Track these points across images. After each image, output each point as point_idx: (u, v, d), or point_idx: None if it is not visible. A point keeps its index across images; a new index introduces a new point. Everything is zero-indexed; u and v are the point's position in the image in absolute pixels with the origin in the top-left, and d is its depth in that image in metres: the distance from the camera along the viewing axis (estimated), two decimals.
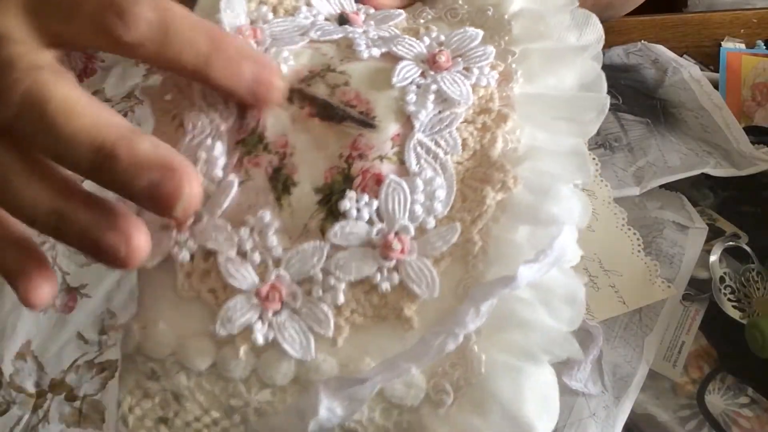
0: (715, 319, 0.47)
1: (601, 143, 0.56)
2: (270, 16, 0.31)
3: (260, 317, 0.27)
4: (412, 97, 0.29)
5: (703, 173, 0.54)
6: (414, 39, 0.31)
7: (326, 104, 0.29)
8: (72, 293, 0.48)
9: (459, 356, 0.26)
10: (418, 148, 0.28)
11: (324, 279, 0.27)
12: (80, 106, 0.23)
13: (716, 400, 0.44)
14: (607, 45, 0.65)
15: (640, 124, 0.58)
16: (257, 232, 0.28)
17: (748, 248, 0.50)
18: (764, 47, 0.67)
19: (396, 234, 0.27)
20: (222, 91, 0.28)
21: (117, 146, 0.23)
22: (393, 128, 0.28)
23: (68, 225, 0.24)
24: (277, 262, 0.27)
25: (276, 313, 0.27)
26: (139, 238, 0.24)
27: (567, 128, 0.30)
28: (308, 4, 0.33)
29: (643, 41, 0.65)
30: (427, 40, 0.31)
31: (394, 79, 0.29)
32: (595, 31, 0.35)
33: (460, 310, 0.26)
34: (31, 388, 0.43)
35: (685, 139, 0.57)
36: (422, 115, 0.29)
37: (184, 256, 0.28)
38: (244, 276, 0.27)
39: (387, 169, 0.28)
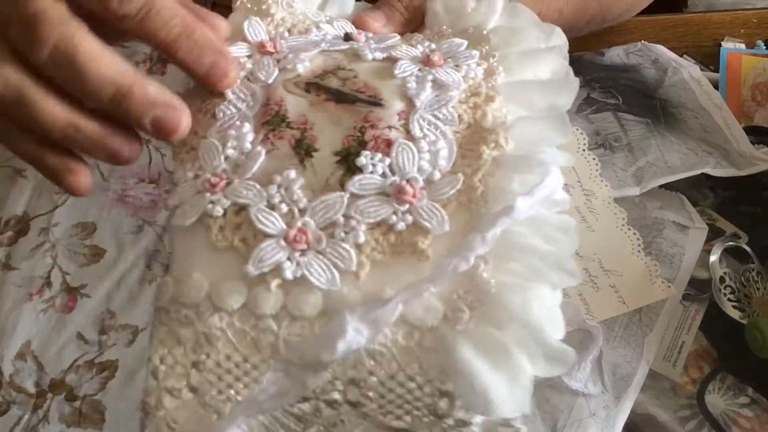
0: (715, 319, 0.47)
1: (601, 143, 0.56)
2: (286, 34, 0.38)
3: (288, 258, 0.30)
4: (412, 84, 0.34)
5: (703, 173, 0.54)
6: (410, 46, 0.37)
7: (339, 92, 0.35)
8: (72, 293, 0.48)
9: (470, 283, 0.29)
10: (421, 120, 0.33)
11: (345, 223, 0.31)
12: (102, 55, 0.29)
13: (716, 400, 0.44)
14: (607, 45, 0.65)
15: (640, 124, 0.58)
16: (284, 188, 0.31)
17: (748, 248, 0.50)
18: (764, 47, 0.67)
19: (407, 181, 0.31)
20: (185, 69, 0.34)
21: (132, 87, 0.30)
22: (398, 106, 0.34)
23: (81, 133, 0.30)
24: (303, 212, 0.31)
25: (303, 253, 0.30)
26: (136, 144, 0.32)
27: (545, 104, 0.36)
28: (317, 27, 0.39)
29: (643, 41, 0.65)
30: (420, 47, 0.37)
31: (396, 71, 0.35)
32: (560, 38, 0.39)
33: (468, 238, 0.29)
34: (31, 388, 0.43)
35: (685, 139, 0.57)
36: (422, 96, 0.34)
37: (218, 210, 0.31)
38: (273, 223, 0.31)
39: (395, 135, 0.33)
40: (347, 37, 0.39)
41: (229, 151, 0.33)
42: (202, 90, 0.36)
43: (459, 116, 0.34)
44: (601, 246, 0.49)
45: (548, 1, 0.55)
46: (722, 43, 0.67)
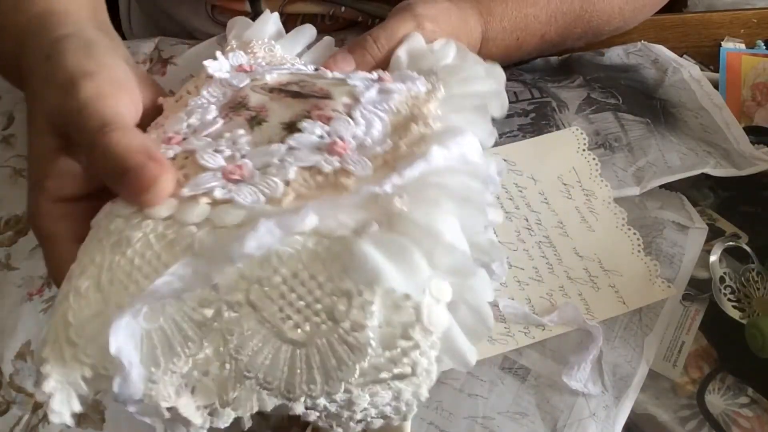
0: (715, 319, 0.47)
1: (601, 143, 0.56)
2: (263, 64, 0.43)
3: (222, 186, 0.32)
4: (361, 87, 0.39)
5: (703, 173, 0.54)
6: (367, 73, 0.43)
7: (296, 92, 0.39)
8: None
9: (383, 212, 0.32)
10: (362, 109, 0.37)
11: (279, 164, 0.34)
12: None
13: (716, 400, 0.44)
14: (607, 45, 0.65)
15: (640, 124, 0.58)
16: (231, 141, 0.35)
17: (748, 248, 0.50)
18: (764, 47, 0.67)
19: (340, 138, 0.35)
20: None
21: None
22: (345, 100, 0.38)
23: None
24: (244, 156, 0.34)
25: (236, 183, 0.33)
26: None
27: (475, 104, 0.41)
28: (292, 64, 0.45)
29: (643, 41, 0.65)
30: (375, 74, 0.42)
31: (349, 80, 0.40)
32: (500, 72, 0.45)
33: (387, 175, 0.32)
34: (31, 388, 0.43)
35: (685, 139, 0.57)
36: (367, 94, 0.39)
37: (168, 154, 0.34)
38: (215, 161, 0.34)
39: (337, 115, 0.37)
40: (316, 69, 0.45)
41: (192, 120, 0.37)
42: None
43: (398, 109, 0.38)
44: (601, 246, 0.49)
45: (530, 28, 0.57)
46: (722, 43, 0.67)
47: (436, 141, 0.35)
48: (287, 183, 0.33)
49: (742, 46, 0.67)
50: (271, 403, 0.31)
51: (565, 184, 0.53)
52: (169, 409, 0.30)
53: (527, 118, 0.57)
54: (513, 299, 0.46)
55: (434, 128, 0.37)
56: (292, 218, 0.30)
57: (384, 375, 0.30)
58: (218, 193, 0.32)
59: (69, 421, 0.30)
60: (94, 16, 0.45)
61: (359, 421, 0.34)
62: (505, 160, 0.54)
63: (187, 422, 0.31)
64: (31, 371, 0.44)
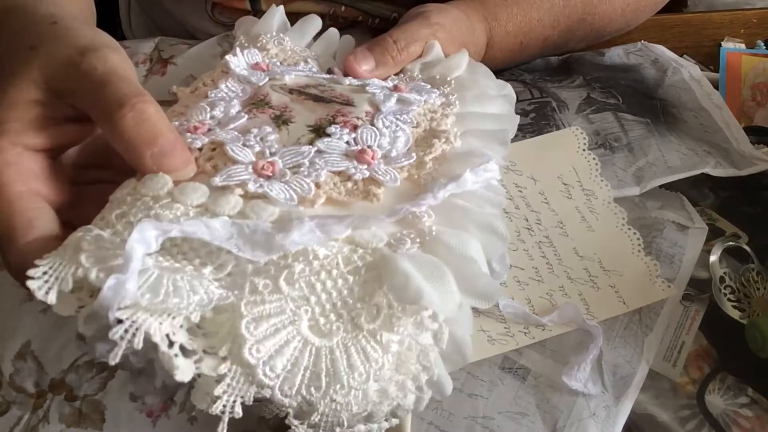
0: (715, 319, 0.47)
1: (601, 143, 0.56)
2: (278, 63, 0.45)
3: (254, 180, 0.33)
4: (380, 96, 0.41)
5: (703, 173, 0.54)
6: (382, 80, 0.45)
7: (317, 95, 0.40)
8: None
9: (414, 228, 0.33)
10: (384, 119, 0.39)
11: (310, 166, 0.34)
12: None
13: (716, 400, 0.44)
14: (607, 45, 0.65)
15: (640, 124, 0.58)
16: (260, 137, 0.35)
17: (748, 248, 0.50)
18: (764, 47, 0.67)
19: (369, 147, 0.36)
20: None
21: None
22: (367, 107, 0.40)
23: None
24: (273, 154, 0.35)
25: (267, 179, 0.33)
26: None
27: (491, 128, 0.43)
28: (305, 62, 0.46)
29: (643, 41, 0.65)
30: (390, 82, 0.44)
31: (368, 88, 0.42)
32: (510, 90, 0.48)
33: (420, 195, 0.34)
34: (31, 388, 0.43)
35: (685, 139, 0.57)
36: (388, 104, 0.40)
37: (197, 143, 0.34)
38: (245, 155, 0.34)
39: (362, 123, 0.38)
40: (329, 72, 0.46)
41: (216, 113, 0.37)
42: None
43: (417, 123, 0.40)
44: (601, 246, 0.49)
45: (534, 32, 0.58)
46: (722, 43, 0.67)
47: (462, 161, 0.37)
48: (318, 185, 0.33)
49: (742, 46, 0.67)
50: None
51: (565, 184, 0.53)
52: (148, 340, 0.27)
53: (527, 118, 0.57)
54: (513, 299, 0.46)
55: (455, 145, 0.39)
56: (336, 225, 0.31)
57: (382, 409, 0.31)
58: (251, 186, 0.32)
59: (49, 298, 0.27)
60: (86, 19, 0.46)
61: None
62: (505, 160, 0.54)
63: (168, 360, 0.28)
64: (32, 371, 0.44)
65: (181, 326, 0.28)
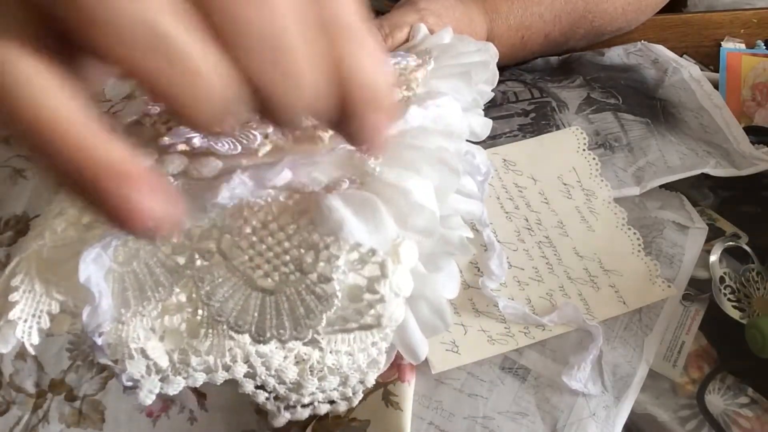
0: (715, 319, 0.47)
1: (601, 143, 0.56)
2: None
3: (201, 136, 0.33)
4: None
5: (703, 173, 0.54)
6: None
7: None
8: None
9: (357, 171, 0.32)
10: None
11: (260, 119, 0.33)
12: None
13: (716, 400, 0.44)
14: (607, 45, 0.65)
15: (640, 124, 0.57)
16: None
17: (748, 248, 0.50)
18: (764, 47, 0.67)
19: None
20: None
21: None
22: None
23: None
24: None
25: (216, 134, 0.32)
26: None
27: (459, 71, 0.41)
28: None
29: (643, 41, 0.65)
30: None
31: None
32: (492, 48, 0.47)
33: None
34: (31, 388, 0.43)
35: (685, 139, 0.57)
36: None
37: (155, 109, 0.35)
38: None
39: None
40: None
41: None
42: None
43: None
44: (601, 246, 0.49)
45: (535, 27, 0.58)
46: (722, 43, 0.67)
47: (416, 102, 0.36)
48: (266, 136, 0.34)
49: (742, 46, 0.67)
50: (240, 356, 0.32)
51: (565, 184, 0.53)
52: (137, 350, 0.31)
53: (527, 118, 0.57)
54: (513, 299, 0.46)
55: (417, 92, 0.38)
56: (267, 171, 0.31)
57: (351, 325, 0.31)
58: (197, 141, 0.33)
59: (30, 349, 0.30)
60: None
61: (306, 405, 0.35)
62: (504, 160, 0.53)
63: (149, 370, 0.32)
64: (31, 371, 0.44)
65: (153, 329, 0.31)
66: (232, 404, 0.36)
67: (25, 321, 0.30)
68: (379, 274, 0.30)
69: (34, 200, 0.52)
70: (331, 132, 0.34)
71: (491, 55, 0.47)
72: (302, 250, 0.30)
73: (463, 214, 0.39)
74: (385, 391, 0.41)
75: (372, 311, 0.31)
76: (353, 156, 0.33)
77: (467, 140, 0.45)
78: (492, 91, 0.54)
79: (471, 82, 0.41)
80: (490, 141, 0.55)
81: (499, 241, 0.49)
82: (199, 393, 0.43)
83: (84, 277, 0.29)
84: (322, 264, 0.29)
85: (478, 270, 0.47)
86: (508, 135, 0.56)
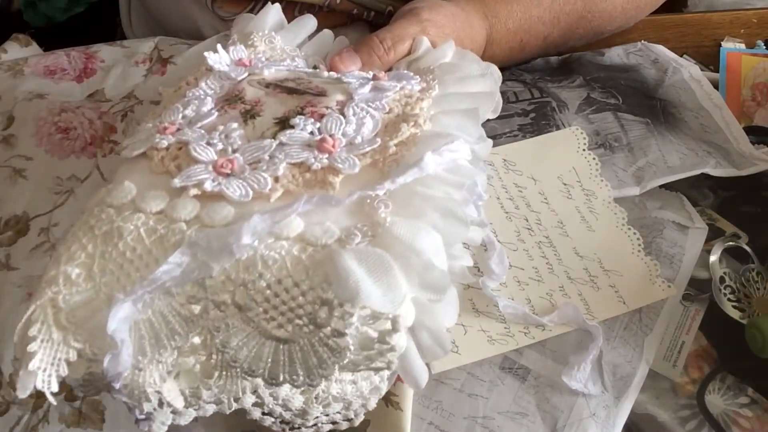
0: (715, 319, 0.47)
1: (601, 143, 0.56)
2: (264, 59, 0.44)
3: (212, 179, 0.34)
4: (355, 84, 0.40)
5: (703, 173, 0.54)
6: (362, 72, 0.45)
7: (292, 88, 0.40)
8: None
9: (369, 220, 0.32)
10: (355, 107, 0.38)
11: (270, 160, 0.34)
12: None
13: (716, 400, 0.44)
14: (607, 45, 0.65)
15: (640, 124, 0.57)
16: (224, 135, 0.36)
17: (748, 248, 0.50)
18: (764, 47, 0.67)
19: (330, 136, 0.36)
20: None
21: None
22: (339, 96, 0.39)
23: None
24: (235, 150, 0.35)
25: (226, 177, 0.34)
26: None
27: (466, 106, 0.41)
28: (292, 59, 0.46)
29: (643, 41, 0.65)
30: (370, 73, 0.43)
31: (345, 78, 0.41)
32: (495, 70, 0.47)
33: (380, 180, 0.34)
34: None
35: (685, 139, 0.57)
36: (361, 91, 0.39)
37: (163, 143, 0.36)
38: (207, 154, 0.35)
39: (330, 112, 0.38)
40: (315, 68, 0.46)
41: (188, 112, 0.38)
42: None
43: (390, 108, 0.39)
44: (601, 246, 0.49)
45: (534, 30, 0.57)
46: (722, 43, 0.67)
47: (429, 143, 0.36)
48: (276, 179, 0.34)
49: (742, 46, 0.67)
50: (249, 388, 0.33)
51: (565, 184, 0.53)
52: (154, 392, 0.32)
53: (527, 118, 0.57)
54: (513, 299, 0.46)
55: (424, 128, 0.38)
56: (282, 210, 0.31)
57: (361, 368, 0.32)
58: (208, 186, 0.33)
59: (52, 399, 0.31)
60: None
61: (310, 426, 0.36)
62: (504, 160, 0.54)
63: (161, 404, 0.32)
64: None
65: (169, 372, 0.32)
66: None
67: (44, 370, 0.30)
68: (391, 329, 0.31)
69: (34, 200, 0.52)
70: (341, 175, 0.34)
71: (495, 80, 0.46)
72: (316, 306, 0.30)
73: (465, 241, 0.39)
74: (382, 394, 0.41)
75: (382, 357, 0.31)
76: (365, 203, 0.33)
77: None
78: None
79: (477, 120, 0.41)
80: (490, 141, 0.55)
81: (499, 241, 0.49)
82: None
83: (112, 329, 0.29)
84: (335, 320, 0.30)
85: (478, 270, 0.47)
86: (508, 135, 0.56)
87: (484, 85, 0.45)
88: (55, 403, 0.31)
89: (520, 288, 0.47)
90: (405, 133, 0.37)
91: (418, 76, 0.43)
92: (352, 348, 0.30)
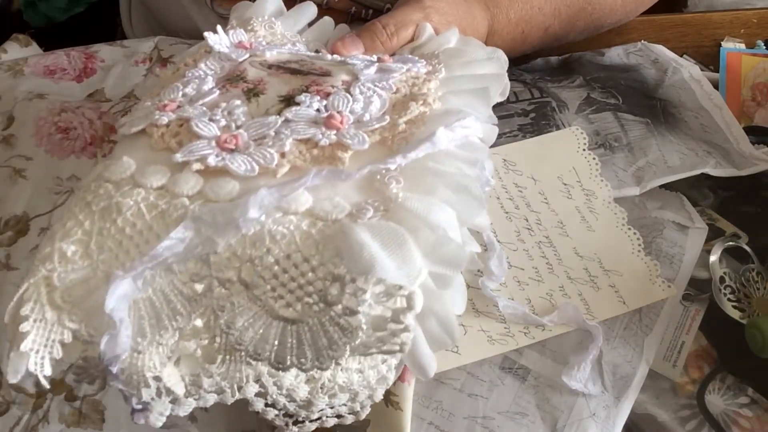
0: (715, 319, 0.47)
1: (601, 143, 0.56)
2: (264, 43, 0.43)
3: (216, 154, 0.32)
4: (360, 66, 0.39)
5: (703, 173, 0.54)
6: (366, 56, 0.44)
7: (296, 69, 0.39)
8: None
9: (380, 196, 0.31)
10: (361, 86, 0.37)
11: (275, 136, 0.33)
12: None
13: (716, 400, 0.44)
14: (607, 45, 0.65)
15: (640, 124, 0.57)
16: (227, 111, 0.35)
17: (748, 248, 0.50)
18: (764, 47, 0.67)
19: (338, 113, 0.35)
20: None
21: None
22: (344, 77, 0.38)
23: None
24: (239, 127, 0.34)
25: (230, 152, 0.32)
26: None
27: (475, 87, 0.41)
28: (293, 44, 0.45)
29: (643, 41, 0.65)
30: (376, 56, 0.43)
31: (350, 60, 0.41)
32: (501, 54, 0.46)
33: (390, 156, 0.32)
34: (30, 388, 0.43)
35: (685, 139, 0.57)
36: (366, 72, 0.39)
37: (163, 119, 0.34)
38: (210, 130, 0.34)
39: (335, 90, 0.37)
40: (317, 52, 0.45)
41: (188, 90, 0.37)
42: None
43: (397, 89, 0.38)
44: (601, 246, 0.49)
45: (535, 21, 0.57)
46: (722, 43, 0.67)
47: (439, 122, 0.35)
48: (282, 155, 0.33)
49: (742, 46, 0.67)
50: (252, 377, 0.32)
51: (565, 184, 0.53)
52: (153, 378, 0.30)
53: (527, 118, 0.57)
54: (513, 299, 0.46)
55: (433, 107, 0.37)
56: (291, 184, 0.30)
57: (372, 351, 0.30)
58: (212, 161, 0.32)
59: (44, 382, 0.29)
60: None
61: (314, 420, 0.35)
62: (504, 160, 0.54)
63: (169, 392, 0.31)
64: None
65: (169, 357, 0.30)
66: (232, 404, 0.36)
67: (37, 352, 0.29)
68: (405, 306, 0.30)
69: (34, 200, 0.52)
70: (350, 151, 0.33)
71: (502, 64, 0.46)
72: (327, 282, 0.29)
73: (473, 227, 0.38)
74: (385, 390, 0.41)
75: (395, 339, 0.30)
76: (375, 179, 0.32)
77: None
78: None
79: (488, 100, 0.40)
80: None
81: (499, 241, 0.49)
82: None
83: (110, 307, 0.28)
84: (347, 296, 0.29)
85: (478, 270, 0.47)
86: (508, 135, 0.56)
87: (491, 67, 0.44)
88: (47, 386, 0.30)
89: (520, 288, 0.47)
90: (414, 112, 0.36)
91: (423, 60, 0.42)
92: (364, 327, 0.29)
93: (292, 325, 0.29)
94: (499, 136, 0.55)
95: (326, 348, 0.29)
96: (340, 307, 0.29)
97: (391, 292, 0.29)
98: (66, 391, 0.43)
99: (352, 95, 0.36)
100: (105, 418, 0.42)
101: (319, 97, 0.36)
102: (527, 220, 0.51)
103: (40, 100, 0.54)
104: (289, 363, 0.29)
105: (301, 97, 0.36)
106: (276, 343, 0.29)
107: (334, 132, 0.34)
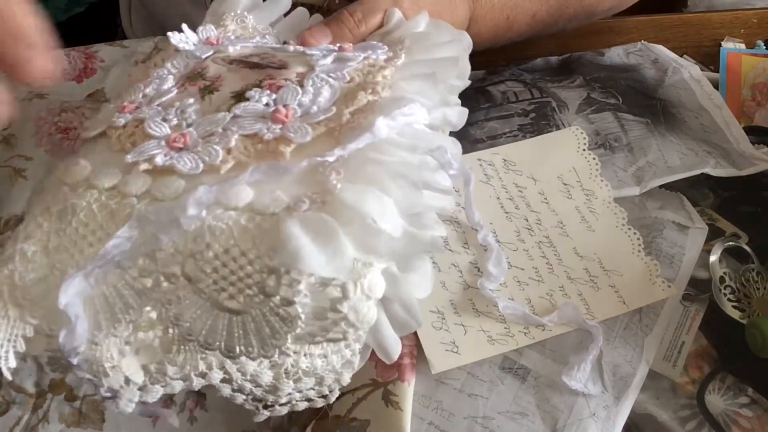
0: (715, 319, 0.47)
1: (601, 143, 0.56)
2: (232, 38, 0.44)
3: (164, 154, 0.34)
4: (317, 56, 0.40)
5: (703, 173, 0.54)
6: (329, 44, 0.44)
7: (255, 63, 0.40)
8: None
9: (319, 187, 0.32)
10: (315, 78, 0.38)
11: (222, 133, 0.34)
12: None
13: (716, 400, 0.44)
14: (607, 45, 0.65)
15: (640, 124, 0.57)
16: (180, 110, 0.36)
17: (748, 248, 0.50)
18: (764, 47, 0.67)
19: (284, 106, 0.35)
20: None
21: None
22: (299, 68, 0.39)
23: None
24: (190, 125, 0.35)
25: (178, 151, 0.34)
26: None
27: (428, 71, 0.40)
28: (262, 37, 0.46)
29: (643, 41, 0.65)
30: (336, 45, 0.43)
31: (309, 51, 0.41)
32: (466, 36, 0.46)
33: (329, 144, 0.33)
34: (31, 388, 0.43)
35: (685, 139, 0.57)
36: (322, 62, 0.39)
37: (120, 121, 0.36)
38: (161, 129, 0.35)
39: (286, 84, 0.37)
40: (284, 43, 0.45)
41: (148, 90, 0.38)
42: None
43: (351, 78, 0.39)
44: (601, 246, 0.49)
45: (521, 6, 0.56)
46: (722, 43, 0.67)
47: (382, 111, 0.35)
48: (228, 151, 0.34)
49: (742, 46, 0.67)
50: (215, 364, 0.33)
51: (565, 184, 0.53)
52: (112, 368, 0.32)
53: (527, 118, 0.57)
54: (513, 299, 0.46)
55: (382, 96, 0.37)
56: (230, 180, 0.31)
57: (318, 339, 0.32)
58: (159, 160, 0.33)
59: (7, 374, 0.31)
60: None
61: (284, 404, 0.36)
62: (504, 160, 0.54)
63: (128, 380, 0.32)
64: (32, 371, 0.44)
65: (128, 344, 0.32)
66: (231, 404, 0.36)
67: (2, 346, 0.31)
68: (341, 296, 0.31)
69: (34, 200, 0.52)
70: (293, 144, 0.34)
71: (464, 46, 0.46)
72: (264, 275, 0.30)
73: (437, 211, 0.38)
74: (385, 391, 0.41)
75: (337, 327, 0.31)
76: (316, 171, 0.32)
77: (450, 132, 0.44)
78: (492, 91, 0.54)
79: (437, 84, 0.40)
80: (490, 141, 0.55)
81: (499, 242, 0.49)
82: (199, 393, 0.43)
83: (63, 303, 0.29)
84: (284, 288, 0.30)
85: (478, 270, 0.47)
86: (508, 135, 0.56)
87: (450, 51, 0.44)
88: (10, 378, 0.32)
89: (520, 288, 0.47)
90: (362, 101, 0.36)
91: (386, 46, 0.43)
92: (303, 317, 0.30)
93: (237, 316, 0.30)
94: (499, 136, 0.55)
95: (269, 337, 0.30)
96: (278, 298, 0.30)
97: (326, 282, 0.30)
98: (66, 391, 0.43)
99: (303, 87, 0.37)
100: (105, 418, 0.42)
101: (269, 92, 0.37)
102: (527, 220, 0.51)
103: (40, 100, 0.54)
104: (238, 352, 0.31)
105: (252, 93, 0.36)
106: (224, 333, 0.31)
107: (279, 126, 0.35)
